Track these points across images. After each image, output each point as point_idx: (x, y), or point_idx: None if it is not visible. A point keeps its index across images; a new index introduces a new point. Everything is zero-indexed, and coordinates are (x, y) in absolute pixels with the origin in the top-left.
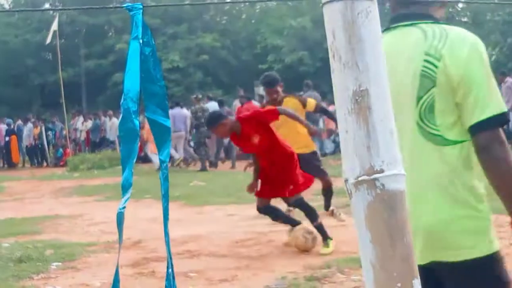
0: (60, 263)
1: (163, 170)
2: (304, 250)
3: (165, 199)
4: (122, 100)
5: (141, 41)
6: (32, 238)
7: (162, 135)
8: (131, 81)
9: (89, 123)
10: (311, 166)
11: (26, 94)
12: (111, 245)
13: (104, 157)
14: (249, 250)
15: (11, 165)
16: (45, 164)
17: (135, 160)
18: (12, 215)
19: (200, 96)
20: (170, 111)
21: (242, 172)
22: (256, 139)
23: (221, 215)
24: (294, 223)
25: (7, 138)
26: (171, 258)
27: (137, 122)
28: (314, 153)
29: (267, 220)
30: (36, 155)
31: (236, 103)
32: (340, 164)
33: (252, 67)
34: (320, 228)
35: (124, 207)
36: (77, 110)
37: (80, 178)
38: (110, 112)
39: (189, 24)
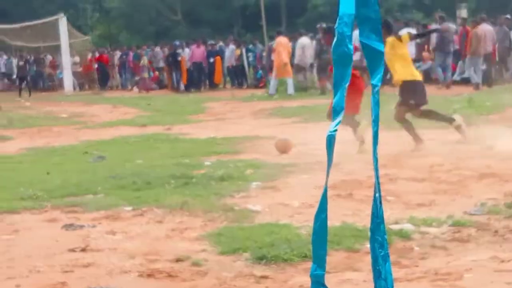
0: (260, 183)
1: (374, 95)
2: None
3: (375, 123)
4: (336, 24)
5: None
6: (233, 157)
7: (375, 59)
8: (346, 5)
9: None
10: None
11: (228, 16)
12: (310, 166)
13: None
14: (447, 175)
15: (212, 85)
16: (245, 85)
17: (347, 84)
18: (213, 135)
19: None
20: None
21: None
22: None
23: None
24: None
25: (211, 59)
26: (379, 183)
27: (351, 47)
28: None
29: (466, 145)
30: (237, 76)
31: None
32: None
33: None
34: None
35: (335, 130)
36: (277, 31)
37: (278, 100)
38: (310, 34)
39: None
